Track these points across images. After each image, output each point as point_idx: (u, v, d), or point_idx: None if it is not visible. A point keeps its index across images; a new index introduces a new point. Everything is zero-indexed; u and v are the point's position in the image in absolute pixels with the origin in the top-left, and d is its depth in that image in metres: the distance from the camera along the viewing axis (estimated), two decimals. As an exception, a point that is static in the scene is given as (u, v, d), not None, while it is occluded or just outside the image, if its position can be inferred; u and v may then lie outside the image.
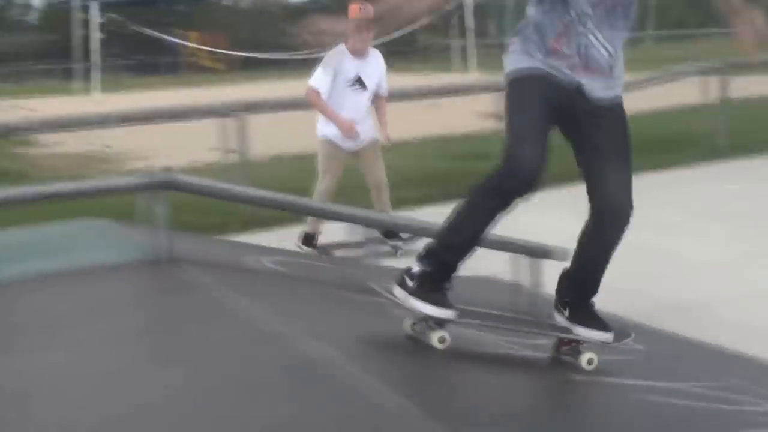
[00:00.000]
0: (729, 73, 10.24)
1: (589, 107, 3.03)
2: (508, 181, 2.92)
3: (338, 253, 6.23)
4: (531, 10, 3.04)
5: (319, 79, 5.98)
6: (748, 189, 7.76)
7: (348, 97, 6.01)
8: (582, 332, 3.16)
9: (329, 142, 6.12)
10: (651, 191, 5.73)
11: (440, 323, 3.07)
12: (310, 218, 6.16)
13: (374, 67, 6.14)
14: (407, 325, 3.20)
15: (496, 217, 3.01)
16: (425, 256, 3.09)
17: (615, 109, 3.08)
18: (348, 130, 5.97)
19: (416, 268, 3.08)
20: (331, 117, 5.98)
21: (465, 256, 3.08)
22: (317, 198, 6.01)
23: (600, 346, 3.21)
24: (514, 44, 3.08)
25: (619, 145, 3.07)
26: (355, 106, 6.05)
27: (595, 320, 3.18)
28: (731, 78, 10.27)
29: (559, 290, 3.24)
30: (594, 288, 3.17)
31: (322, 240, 6.27)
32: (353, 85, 6.01)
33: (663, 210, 6.73)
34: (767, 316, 4.78)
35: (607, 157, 3.03)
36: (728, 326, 4.62)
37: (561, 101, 3.00)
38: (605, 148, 3.04)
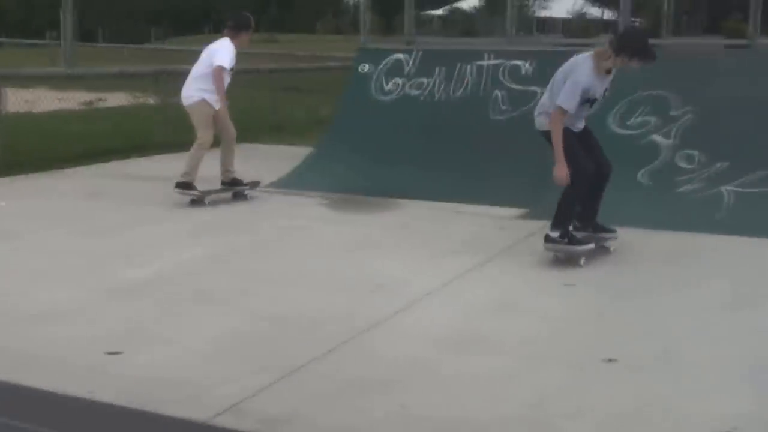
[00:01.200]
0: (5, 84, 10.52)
1: None
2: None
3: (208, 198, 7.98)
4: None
5: (226, 60, 7.72)
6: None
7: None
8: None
9: (208, 104, 7.77)
10: None
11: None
12: (187, 168, 7.82)
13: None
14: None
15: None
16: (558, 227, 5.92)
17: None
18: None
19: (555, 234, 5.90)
20: (222, 91, 7.77)
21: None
22: (200, 147, 7.84)
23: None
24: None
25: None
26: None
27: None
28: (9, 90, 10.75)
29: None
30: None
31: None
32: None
33: None
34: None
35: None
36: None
37: None
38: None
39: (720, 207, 7.15)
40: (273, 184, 8.80)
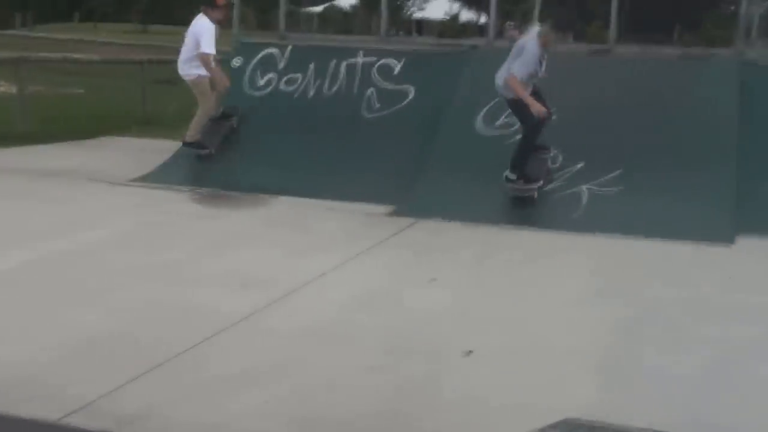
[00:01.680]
0: None
1: None
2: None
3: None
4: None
5: (212, 45, 8.59)
6: None
7: None
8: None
9: (204, 77, 8.72)
10: None
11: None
12: (193, 131, 8.86)
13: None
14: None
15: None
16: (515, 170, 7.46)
17: None
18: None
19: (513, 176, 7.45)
20: (216, 72, 8.80)
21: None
22: (206, 114, 8.88)
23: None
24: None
25: None
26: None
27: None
28: None
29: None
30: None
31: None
32: None
33: None
34: None
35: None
36: None
37: None
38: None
39: (579, 205, 7.48)
40: (141, 178, 8.60)
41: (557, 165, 7.87)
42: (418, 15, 46.08)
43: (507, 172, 7.50)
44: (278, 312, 4.87)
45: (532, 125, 7.42)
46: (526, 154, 7.53)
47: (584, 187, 7.60)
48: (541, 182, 7.56)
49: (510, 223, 7.18)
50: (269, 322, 4.70)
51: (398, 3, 42.30)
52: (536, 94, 7.46)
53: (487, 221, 7.16)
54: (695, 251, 6.53)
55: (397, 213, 7.46)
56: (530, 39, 7.37)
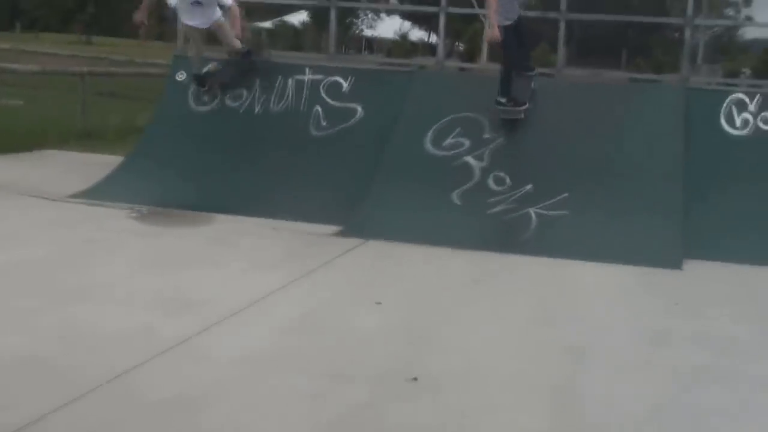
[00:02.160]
0: None
1: None
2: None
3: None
4: None
5: None
6: None
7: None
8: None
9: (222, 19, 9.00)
10: None
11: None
12: (233, 43, 9.12)
13: None
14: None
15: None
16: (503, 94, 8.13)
17: None
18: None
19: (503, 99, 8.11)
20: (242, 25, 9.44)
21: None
22: (197, 53, 9.15)
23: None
24: None
25: None
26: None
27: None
28: None
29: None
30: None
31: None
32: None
33: None
34: None
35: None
36: None
37: None
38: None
39: (527, 228, 7.47)
40: (79, 194, 8.35)
41: (504, 187, 7.86)
42: (368, 33, 46.21)
43: (498, 97, 8.14)
44: (215, 335, 4.72)
45: (503, 49, 8.10)
46: (508, 78, 8.12)
47: (532, 210, 7.60)
48: (527, 104, 8.14)
49: (458, 245, 7.12)
50: (205, 347, 4.54)
51: (348, 21, 42.37)
52: (516, 29, 8.00)
53: (434, 242, 7.10)
54: (642, 275, 6.55)
55: (343, 233, 7.36)
56: None
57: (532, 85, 8.36)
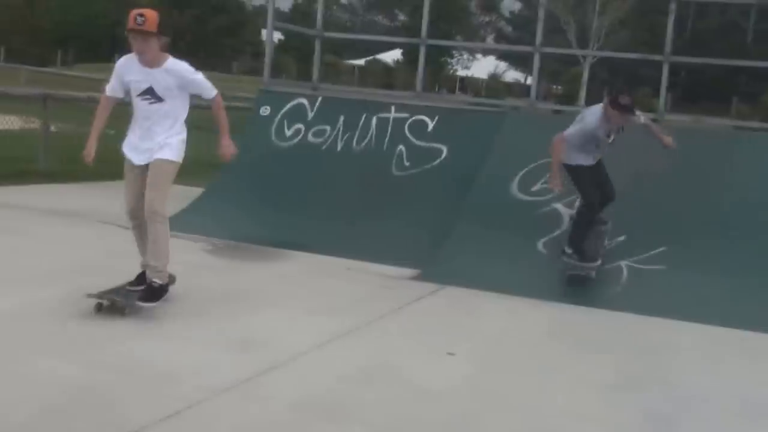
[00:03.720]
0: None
1: None
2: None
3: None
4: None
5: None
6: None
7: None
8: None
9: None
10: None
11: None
12: None
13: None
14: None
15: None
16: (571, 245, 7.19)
17: None
18: None
19: (570, 250, 7.17)
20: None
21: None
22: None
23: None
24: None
25: None
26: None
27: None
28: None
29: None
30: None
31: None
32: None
33: None
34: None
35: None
36: None
37: None
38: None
39: (617, 282, 7.18)
40: (156, 225, 8.45)
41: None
42: (462, 73, 46.34)
43: (564, 246, 7.26)
44: (274, 377, 4.62)
45: (584, 198, 7.22)
46: (580, 229, 7.22)
47: (624, 263, 7.30)
48: (599, 261, 7.23)
49: (542, 296, 6.89)
50: (263, 388, 4.45)
51: (443, 60, 42.63)
52: (594, 169, 7.18)
53: (517, 292, 6.88)
54: (743, 340, 6.18)
55: (420, 277, 7.22)
56: (594, 109, 7.13)
57: (606, 241, 7.43)
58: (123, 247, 7.46)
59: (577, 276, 7.19)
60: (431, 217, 8.23)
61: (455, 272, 7.24)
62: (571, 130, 7.06)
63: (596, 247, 7.29)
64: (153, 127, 5.72)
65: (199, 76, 5.78)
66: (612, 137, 7.11)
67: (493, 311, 6.49)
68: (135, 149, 5.79)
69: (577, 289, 7.15)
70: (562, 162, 7.10)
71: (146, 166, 5.75)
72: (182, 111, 5.80)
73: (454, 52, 42.92)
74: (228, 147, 6.12)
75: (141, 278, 5.85)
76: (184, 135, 5.88)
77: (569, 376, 5.08)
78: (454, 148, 8.69)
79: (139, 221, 5.81)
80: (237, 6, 62.56)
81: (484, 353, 5.44)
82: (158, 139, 5.71)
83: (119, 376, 4.40)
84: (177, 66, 5.64)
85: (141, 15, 5.44)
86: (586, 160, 7.12)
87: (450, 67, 45.39)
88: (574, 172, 7.15)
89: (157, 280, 5.65)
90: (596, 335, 6.07)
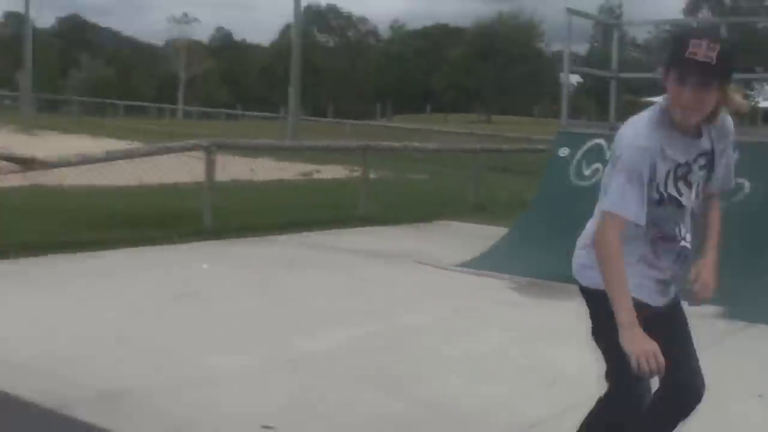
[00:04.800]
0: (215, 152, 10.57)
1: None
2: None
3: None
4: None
5: None
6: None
7: None
8: None
9: None
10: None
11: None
12: None
13: None
14: None
15: None
16: None
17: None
18: None
19: None
20: None
21: None
22: None
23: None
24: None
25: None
26: None
27: None
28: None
29: None
30: None
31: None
32: None
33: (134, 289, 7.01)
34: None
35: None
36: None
37: None
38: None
39: None
40: (464, 264, 8.66)
41: None
42: (764, 104, 42.70)
43: None
44: (578, 415, 4.48)
45: (612, 399, 3.29)
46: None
47: None
48: None
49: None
50: (567, 428, 4.33)
51: (742, 91, 39.60)
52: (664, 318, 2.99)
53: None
54: None
55: (725, 315, 6.69)
56: (636, 118, 2.93)
57: None
58: (434, 288, 7.71)
59: None
60: (738, 251, 7.61)
61: (763, 310, 6.62)
62: (613, 194, 2.88)
63: None
64: None
65: None
66: (698, 160, 2.87)
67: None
68: None
69: None
70: (580, 285, 3.11)
71: None
72: None
73: (754, 83, 39.68)
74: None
75: None
76: None
77: None
78: (759, 182, 7.97)
79: None
80: (536, 53, 63.01)
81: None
82: None
83: (428, 409, 4.50)
84: None
85: None
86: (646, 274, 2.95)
87: (752, 98, 42.04)
88: (591, 297, 3.06)
89: None
90: None
